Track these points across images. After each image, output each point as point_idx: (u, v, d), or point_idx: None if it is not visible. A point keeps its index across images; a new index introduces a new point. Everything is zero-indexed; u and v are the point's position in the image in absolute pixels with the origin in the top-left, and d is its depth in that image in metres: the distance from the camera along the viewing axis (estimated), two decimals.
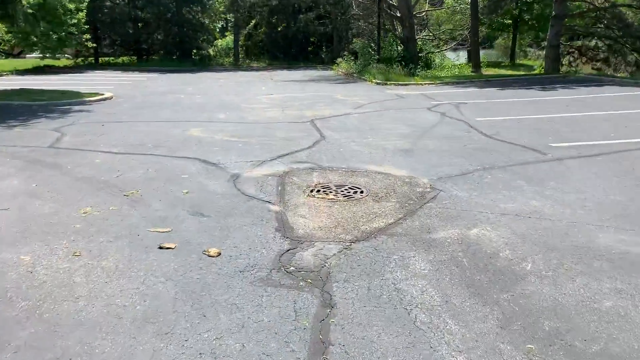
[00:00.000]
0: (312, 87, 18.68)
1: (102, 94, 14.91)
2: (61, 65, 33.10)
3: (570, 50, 25.52)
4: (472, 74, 24.05)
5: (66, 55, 36.82)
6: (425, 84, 19.27)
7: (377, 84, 19.83)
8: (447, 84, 19.25)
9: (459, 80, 20.20)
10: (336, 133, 9.31)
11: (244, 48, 41.79)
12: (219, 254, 4.08)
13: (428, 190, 5.82)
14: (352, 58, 27.28)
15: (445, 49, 32.64)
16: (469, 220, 4.80)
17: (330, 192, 5.88)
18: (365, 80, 21.34)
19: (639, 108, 11.26)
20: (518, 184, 5.95)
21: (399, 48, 25.01)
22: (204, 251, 4.13)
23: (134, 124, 10.28)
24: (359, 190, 5.91)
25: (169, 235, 4.46)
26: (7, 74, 25.17)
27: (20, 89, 15.60)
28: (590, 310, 3.20)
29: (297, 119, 10.94)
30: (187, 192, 5.76)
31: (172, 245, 4.23)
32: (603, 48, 23.78)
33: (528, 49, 35.69)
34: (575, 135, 8.51)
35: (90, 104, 13.35)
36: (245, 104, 13.50)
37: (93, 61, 35.83)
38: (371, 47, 25.91)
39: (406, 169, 6.79)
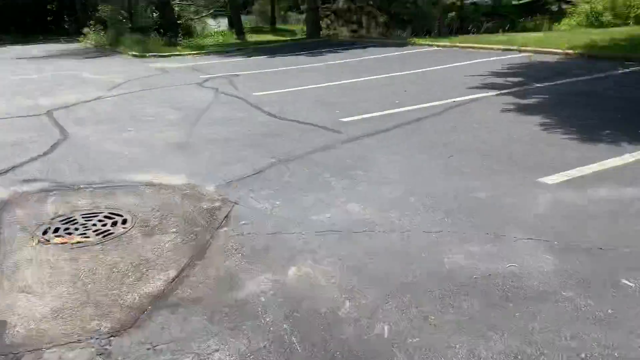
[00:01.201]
0: (53, 65, 15.22)
1: None
2: None
3: (327, 13, 25.95)
4: (237, 41, 22.78)
5: None
6: (190, 54, 17.33)
7: (135, 56, 17.20)
8: (213, 53, 17.58)
9: (226, 49, 18.72)
10: (85, 128, 7.06)
11: None
12: None
13: (218, 204, 4.28)
14: (102, 27, 23.62)
15: (205, 15, 30.70)
16: (283, 251, 3.43)
17: (76, 228, 3.94)
18: (121, 53, 18.43)
19: (409, 69, 11.27)
20: (325, 179, 4.78)
21: (154, 15, 22.36)
22: None
23: None
24: (120, 219, 4.08)
25: None
26: None
27: None
28: None
29: (27, 112, 8.23)
30: None
31: None
32: (355, 11, 24.62)
33: (289, 13, 35.87)
34: (362, 106, 7.78)
35: None
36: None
37: None
38: (122, 14, 22.66)
39: (184, 172, 5.12)
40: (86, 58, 17.31)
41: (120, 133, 6.73)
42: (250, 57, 16.14)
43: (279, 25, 34.47)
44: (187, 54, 17.28)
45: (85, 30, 25.19)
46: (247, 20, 35.29)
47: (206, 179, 4.90)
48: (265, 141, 6.14)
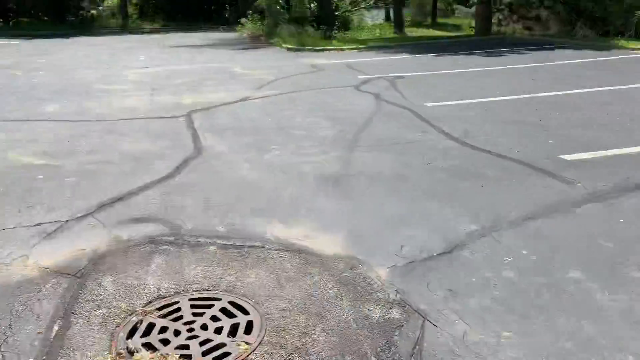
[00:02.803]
0: (205, 56, 14.82)
1: None
2: None
3: (500, 7, 23.10)
4: (396, 35, 21.05)
5: None
6: (347, 49, 15.97)
7: (289, 49, 16.29)
8: (371, 49, 16.04)
9: (385, 44, 17.09)
10: (222, 140, 5.84)
11: (138, 7, 36.28)
12: None
13: (396, 314, 2.61)
14: (259, 17, 23.39)
15: (363, 7, 29.41)
16: None
17: (178, 331, 2.55)
18: (274, 45, 17.71)
19: (626, 83, 8.68)
20: (577, 284, 2.86)
21: (312, 6, 21.46)
22: None
23: None
24: (243, 320, 2.60)
25: None
26: None
27: None
28: None
29: (166, 111, 7.32)
30: None
31: None
32: (535, 4, 21.48)
33: (457, 6, 33.21)
34: (590, 136, 5.60)
35: None
36: (101, 84, 9.58)
37: None
38: (279, 4, 22.11)
39: (339, 231, 3.54)
40: (240, 49, 16.81)
41: (261, 153, 5.37)
42: (414, 55, 14.31)
43: (439, 19, 32.05)
44: (343, 49, 15.95)
45: (243, 20, 25.26)
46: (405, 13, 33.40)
47: (372, 250, 3.26)
48: (455, 185, 4.34)
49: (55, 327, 2.55)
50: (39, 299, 2.77)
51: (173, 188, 4.36)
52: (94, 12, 33.21)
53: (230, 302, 2.78)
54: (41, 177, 4.63)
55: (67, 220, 3.74)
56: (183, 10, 33.83)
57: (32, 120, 6.76)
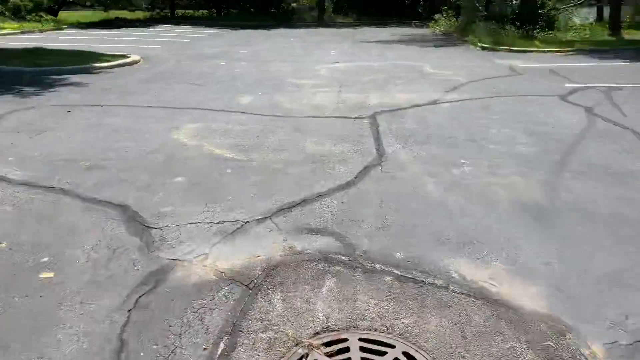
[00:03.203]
0: (395, 52, 14.57)
1: (127, 57, 11.94)
2: (133, 18, 31.02)
3: None
4: (611, 38, 18.54)
5: (144, 5, 34.89)
6: (550, 51, 14.46)
7: (483, 49, 15.30)
8: (580, 52, 14.29)
9: (597, 48, 15.12)
10: (407, 148, 5.47)
11: (333, 2, 37.64)
12: None
13: None
14: (453, 14, 22.47)
15: (573, 5, 26.60)
16: None
17: None
18: (468, 43, 16.79)
19: None
20: None
21: (514, 2, 19.91)
22: None
23: (111, 111, 7.06)
24: None
25: None
26: (67, 27, 23.21)
27: (35, 48, 13.05)
28: None
29: (352, 110, 7.17)
30: None
31: None
32: None
33: None
34: None
35: (97, 72, 10.38)
36: (293, 78, 9.86)
37: (168, 14, 33.53)
38: (478, 0, 20.94)
39: (541, 282, 2.96)
40: (431, 47, 16.24)
41: (449, 167, 4.89)
42: (634, 62, 12.36)
43: None
44: (545, 51, 14.46)
45: (437, 15, 24.51)
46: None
47: (584, 315, 2.64)
48: None
49: (222, 346, 2.44)
50: (210, 309, 2.71)
51: (351, 198, 4.13)
52: (294, 5, 35.17)
53: (405, 353, 2.41)
54: (229, 171, 4.74)
55: (247, 221, 3.71)
56: (376, 4, 34.12)
57: (227, 111, 7.11)
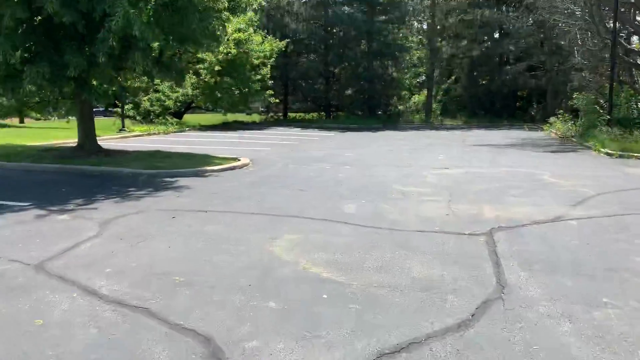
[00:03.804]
0: (509, 157, 13.81)
1: (237, 160, 12.36)
2: (249, 120, 33.15)
3: None
4: None
5: (261, 109, 37.40)
6: None
7: (608, 155, 14.10)
8: None
9: None
10: (532, 278, 4.68)
11: (441, 104, 37.91)
12: None
13: None
14: (571, 117, 21.38)
15: None
16: None
17: None
18: (590, 149, 15.62)
19: None
20: None
21: None
22: None
23: (214, 217, 7.00)
24: None
25: None
26: (189, 129, 25.14)
27: (155, 150, 13.91)
28: None
29: (464, 225, 6.52)
30: None
31: None
32: None
33: None
34: None
35: (207, 175, 10.71)
36: (399, 185, 9.45)
37: (282, 117, 35.48)
38: (599, 103, 19.80)
39: None
40: (548, 151, 15.29)
41: (589, 308, 4.03)
42: None
43: None
44: None
45: (552, 118, 23.57)
46: None
47: None
48: None
49: None
50: None
51: (468, 346, 3.42)
52: (401, 107, 35.79)
53: None
54: (325, 296, 4.26)
55: None
56: (486, 107, 33.75)
57: (329, 221, 6.78)
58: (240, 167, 11.86)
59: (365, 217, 6.97)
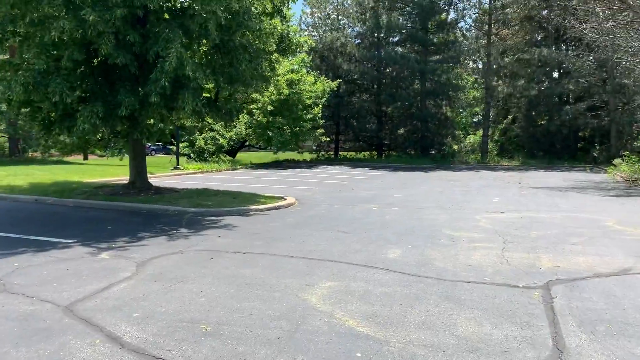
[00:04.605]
0: (570, 201, 13.01)
1: (282, 200, 12.24)
2: (300, 159, 33.30)
3: None
4: None
5: (313, 147, 37.64)
6: None
7: None
8: None
9: None
10: (595, 341, 4.14)
11: (498, 144, 36.87)
12: None
13: None
14: (638, 159, 20.16)
15: None
16: None
17: None
18: None
19: None
20: None
21: None
22: None
23: (252, 260, 6.76)
24: None
25: None
26: (241, 167, 25.44)
27: (203, 188, 14.00)
28: None
29: (518, 276, 5.99)
30: None
31: None
32: None
33: None
34: None
35: (252, 214, 10.58)
36: (449, 229, 8.96)
37: (332, 155, 35.49)
38: None
39: None
40: (613, 195, 14.34)
41: None
42: None
43: None
44: None
45: (617, 160, 22.37)
46: None
47: None
48: None
49: None
50: None
51: None
52: (455, 147, 35.05)
53: None
54: (359, 355, 3.89)
55: None
56: (545, 147, 32.53)
57: (370, 267, 6.40)
58: (286, 206, 11.68)
59: (410, 264, 6.56)
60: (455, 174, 22.76)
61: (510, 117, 37.04)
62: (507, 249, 7.47)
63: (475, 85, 41.61)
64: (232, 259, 6.85)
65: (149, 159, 28.47)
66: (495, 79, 35.74)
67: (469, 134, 43.10)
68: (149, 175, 14.42)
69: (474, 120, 44.36)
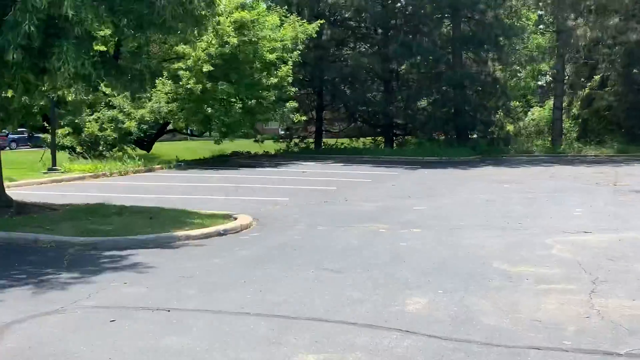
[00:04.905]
0: None
1: (231, 219, 12.40)
2: (260, 151, 33.44)
3: None
4: None
5: (281, 131, 37.78)
6: None
7: None
8: None
9: None
10: None
11: (580, 122, 37.33)
12: None
13: None
14: None
15: None
16: None
17: None
18: None
19: None
20: None
21: None
22: None
23: (181, 320, 6.79)
24: None
25: None
26: (161, 167, 25.46)
27: (99, 203, 14.04)
28: None
29: (620, 338, 6.08)
30: None
31: None
32: None
33: None
34: None
35: (180, 245, 10.71)
36: (503, 262, 9.13)
37: (312, 145, 35.43)
38: None
39: None
40: None
41: None
42: None
43: None
44: None
45: None
46: None
47: None
48: None
49: None
50: None
51: None
52: (509, 128, 35.36)
53: None
54: None
55: None
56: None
57: (377, 328, 6.47)
58: (237, 230, 11.94)
59: (442, 321, 6.65)
60: (510, 171, 23.14)
61: (597, 77, 37.59)
62: (597, 292, 7.63)
63: (541, 27, 42.12)
64: (148, 320, 6.89)
65: (7, 155, 28.38)
66: (573, 16, 36.18)
67: (532, 107, 43.63)
68: (5, 184, 14.30)
69: (540, 84, 44.94)
